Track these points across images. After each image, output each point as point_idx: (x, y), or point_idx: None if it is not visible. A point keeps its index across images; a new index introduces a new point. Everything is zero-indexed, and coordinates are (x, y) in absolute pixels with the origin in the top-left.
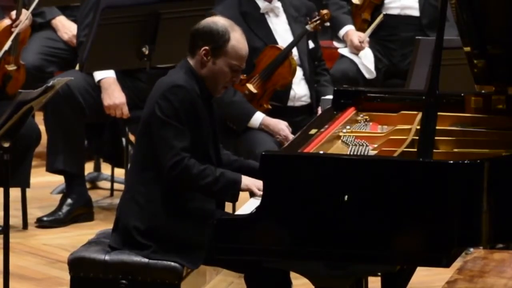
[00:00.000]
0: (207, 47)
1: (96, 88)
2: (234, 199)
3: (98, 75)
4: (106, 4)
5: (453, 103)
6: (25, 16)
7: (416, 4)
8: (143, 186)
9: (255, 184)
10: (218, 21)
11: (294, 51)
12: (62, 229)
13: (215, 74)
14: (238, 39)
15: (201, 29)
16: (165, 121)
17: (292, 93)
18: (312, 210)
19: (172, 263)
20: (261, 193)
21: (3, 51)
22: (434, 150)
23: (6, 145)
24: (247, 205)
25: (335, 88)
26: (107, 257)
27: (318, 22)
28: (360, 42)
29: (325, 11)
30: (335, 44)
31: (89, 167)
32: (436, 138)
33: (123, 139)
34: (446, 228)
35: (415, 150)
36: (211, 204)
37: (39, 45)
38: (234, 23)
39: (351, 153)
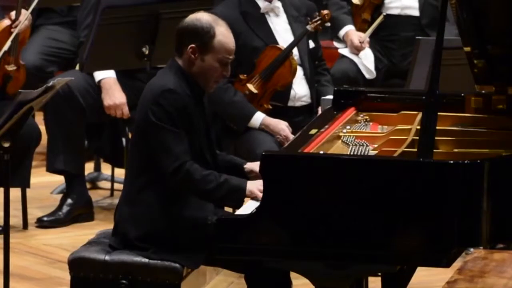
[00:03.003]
0: (193, 45)
1: (96, 88)
2: (238, 206)
3: (98, 75)
4: (106, 4)
5: (453, 103)
6: (25, 16)
7: (416, 4)
8: (140, 192)
9: (260, 189)
10: (202, 17)
11: (295, 51)
12: (62, 229)
13: (205, 71)
14: (223, 33)
15: (185, 28)
16: (160, 126)
17: (292, 93)
18: (312, 210)
19: (172, 263)
20: None
21: (2, 51)
22: (434, 150)
23: (6, 145)
24: (247, 205)
25: (335, 88)
26: (107, 257)
27: (318, 22)
28: (360, 42)
29: (325, 11)
30: (335, 44)
31: (89, 167)
32: (436, 138)
33: (123, 139)
34: (446, 228)
35: (415, 150)
36: (209, 205)
37: (39, 45)
38: (217, 17)
39: (351, 153)
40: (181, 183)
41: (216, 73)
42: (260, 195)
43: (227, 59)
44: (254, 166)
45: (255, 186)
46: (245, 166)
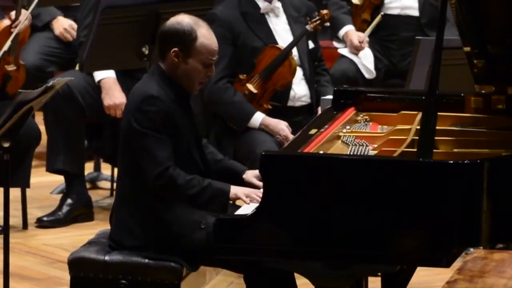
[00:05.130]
0: (176, 49)
1: (96, 88)
2: (222, 209)
3: (98, 75)
4: (106, 4)
5: (453, 103)
6: (25, 16)
7: (416, 4)
8: (133, 199)
9: (244, 192)
10: (183, 20)
11: (294, 51)
12: (62, 229)
13: (189, 73)
14: (205, 35)
15: (167, 31)
16: (144, 132)
17: (292, 93)
18: (312, 210)
19: (172, 263)
20: (249, 200)
21: (2, 51)
22: (434, 150)
23: (6, 145)
24: (247, 205)
25: (335, 88)
26: (107, 257)
27: (318, 22)
28: (359, 42)
29: (325, 11)
30: (335, 44)
31: (89, 167)
32: (436, 138)
33: None
34: (446, 228)
35: (415, 150)
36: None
37: (39, 45)
38: (198, 19)
39: (351, 153)
40: (164, 188)
41: (200, 75)
42: (245, 199)
43: (211, 60)
44: (250, 177)
45: (240, 189)
46: (243, 176)
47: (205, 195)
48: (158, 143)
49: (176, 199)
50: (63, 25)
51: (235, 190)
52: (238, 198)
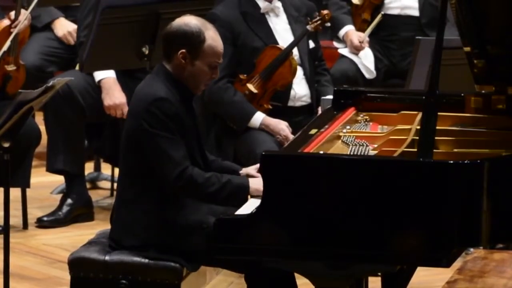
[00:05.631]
0: (183, 50)
1: (96, 88)
2: (242, 204)
3: (98, 75)
4: (106, 4)
5: (453, 103)
6: (24, 16)
7: (416, 4)
8: (135, 199)
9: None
10: (190, 21)
11: (295, 51)
12: (62, 229)
13: (195, 75)
14: (213, 37)
15: (174, 33)
16: (156, 134)
17: (292, 93)
18: (312, 210)
19: (172, 263)
20: None
21: (2, 51)
22: (434, 150)
23: (6, 145)
24: (247, 205)
25: (335, 88)
26: (107, 257)
27: (318, 22)
28: (360, 42)
29: (325, 11)
30: (335, 44)
31: (89, 167)
32: (436, 138)
33: None
34: (446, 228)
35: (415, 150)
36: (204, 208)
37: (39, 45)
38: (205, 20)
39: (351, 153)
40: (185, 189)
41: (206, 76)
42: None
43: (216, 63)
44: (250, 170)
45: (260, 182)
46: (240, 172)
47: (225, 191)
48: (172, 143)
49: (196, 198)
50: (67, 28)
51: (255, 185)
52: (258, 192)
